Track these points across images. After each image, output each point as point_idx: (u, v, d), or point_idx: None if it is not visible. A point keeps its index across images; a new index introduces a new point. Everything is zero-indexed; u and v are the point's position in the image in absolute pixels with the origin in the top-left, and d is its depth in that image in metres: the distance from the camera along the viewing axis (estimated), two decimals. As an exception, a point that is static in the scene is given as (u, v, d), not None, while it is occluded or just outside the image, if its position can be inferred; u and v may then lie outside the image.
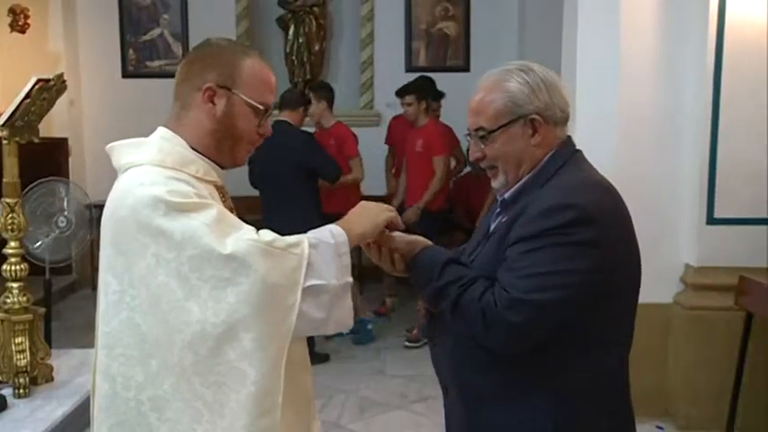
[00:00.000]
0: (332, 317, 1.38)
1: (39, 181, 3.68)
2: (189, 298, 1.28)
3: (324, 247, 1.37)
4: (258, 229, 1.37)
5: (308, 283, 1.33)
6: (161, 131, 1.46)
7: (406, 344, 4.84)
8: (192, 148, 1.44)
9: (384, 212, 1.51)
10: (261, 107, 1.46)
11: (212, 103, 1.43)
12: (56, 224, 3.65)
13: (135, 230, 1.31)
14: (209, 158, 1.45)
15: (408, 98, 4.95)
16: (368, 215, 1.49)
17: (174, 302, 1.29)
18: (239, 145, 1.47)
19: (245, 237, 1.31)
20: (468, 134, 1.57)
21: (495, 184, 1.57)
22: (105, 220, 1.39)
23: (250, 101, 1.44)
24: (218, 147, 1.45)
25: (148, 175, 1.36)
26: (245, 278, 1.28)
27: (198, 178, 1.41)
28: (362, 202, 1.53)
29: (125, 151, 1.44)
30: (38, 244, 3.63)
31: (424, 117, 5.00)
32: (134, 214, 1.31)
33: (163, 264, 1.29)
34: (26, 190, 3.53)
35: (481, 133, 1.52)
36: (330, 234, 1.40)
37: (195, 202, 1.32)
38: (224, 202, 1.48)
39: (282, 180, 4.47)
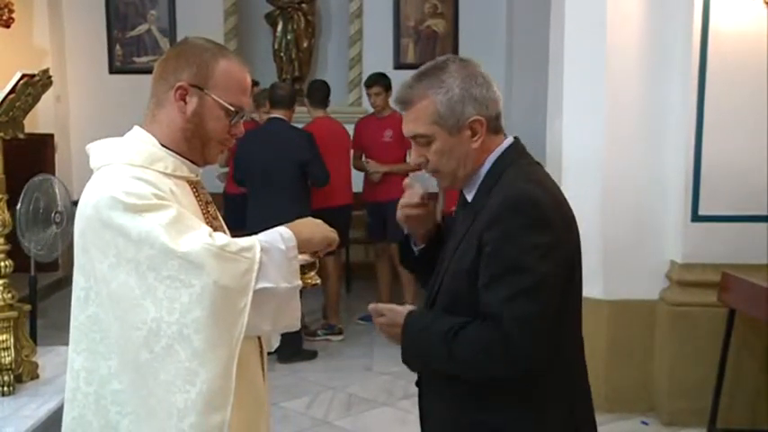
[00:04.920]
0: (278, 321, 1.43)
1: (35, 178, 3.60)
2: (146, 296, 1.32)
3: (275, 252, 1.40)
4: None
5: (259, 286, 1.37)
6: (135, 131, 1.49)
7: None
8: (164, 146, 1.46)
9: (332, 232, 1.53)
10: (232, 109, 1.46)
11: (184, 101, 1.44)
12: (53, 220, 3.58)
13: (97, 230, 1.36)
14: (180, 155, 1.47)
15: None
16: (317, 226, 1.52)
17: (133, 300, 1.33)
18: (209, 144, 1.48)
19: (199, 239, 1.34)
20: None
21: None
22: (76, 218, 1.43)
23: (222, 102, 1.45)
24: (188, 144, 1.47)
25: (114, 174, 1.39)
26: (197, 280, 1.32)
27: (167, 174, 1.43)
28: (310, 219, 1.55)
29: (99, 151, 1.47)
30: (41, 245, 3.52)
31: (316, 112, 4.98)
32: (96, 214, 1.36)
33: (123, 263, 1.33)
34: (25, 188, 3.46)
35: None
36: (281, 238, 1.43)
37: (152, 203, 1.35)
38: (197, 196, 1.51)
39: (278, 177, 4.42)
